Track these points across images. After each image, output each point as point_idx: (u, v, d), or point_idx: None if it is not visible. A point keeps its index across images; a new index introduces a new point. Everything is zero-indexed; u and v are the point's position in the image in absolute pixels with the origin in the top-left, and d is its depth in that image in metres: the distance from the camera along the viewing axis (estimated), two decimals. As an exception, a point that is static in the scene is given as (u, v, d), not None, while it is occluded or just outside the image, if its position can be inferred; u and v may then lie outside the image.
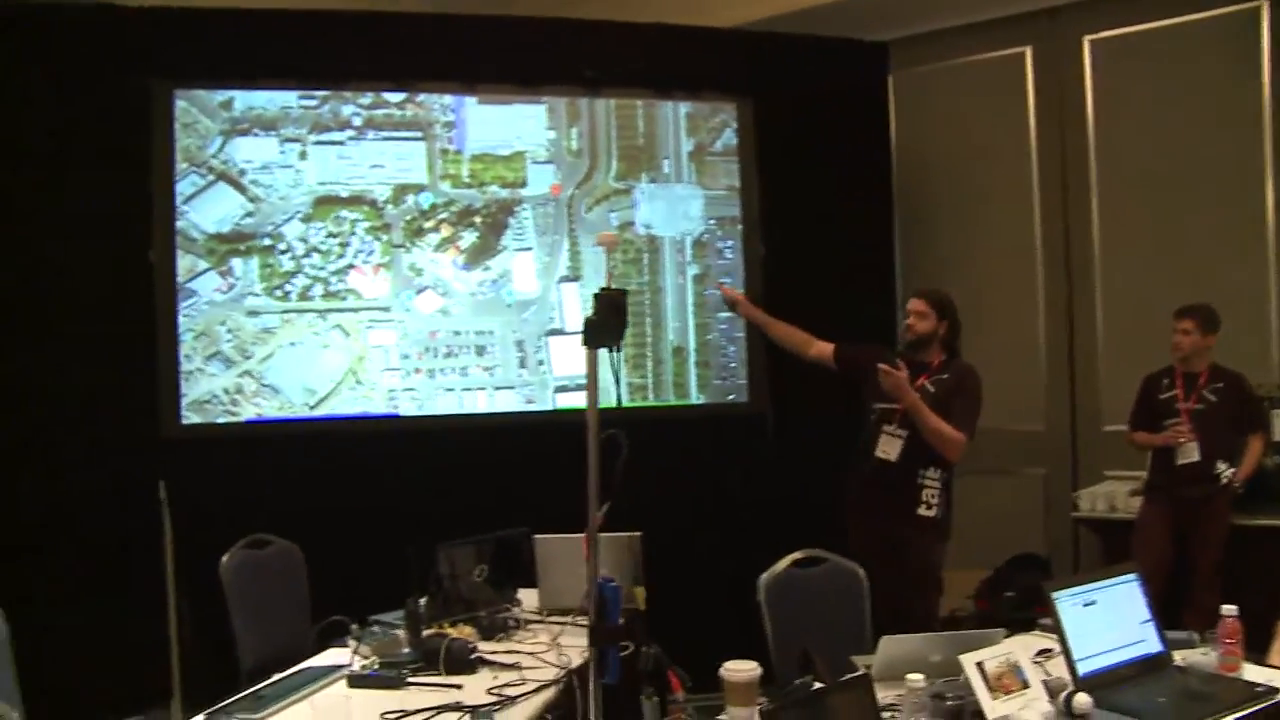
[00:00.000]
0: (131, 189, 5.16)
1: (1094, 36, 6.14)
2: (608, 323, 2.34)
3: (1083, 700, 2.49)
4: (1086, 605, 2.75)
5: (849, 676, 2.52)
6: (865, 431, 4.47)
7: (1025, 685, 2.59)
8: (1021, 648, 2.74)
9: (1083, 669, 2.64)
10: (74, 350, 5.03)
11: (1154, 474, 5.18)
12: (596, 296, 2.38)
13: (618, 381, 2.38)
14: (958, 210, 6.61)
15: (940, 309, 4.47)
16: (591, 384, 2.37)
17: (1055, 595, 2.71)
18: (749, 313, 5.09)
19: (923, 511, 4.35)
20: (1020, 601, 5.49)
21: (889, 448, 4.37)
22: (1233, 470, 4.99)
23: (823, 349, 4.78)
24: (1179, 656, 2.86)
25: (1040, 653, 3.01)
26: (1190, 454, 4.95)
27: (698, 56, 5.90)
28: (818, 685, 2.59)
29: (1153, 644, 2.82)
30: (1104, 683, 2.63)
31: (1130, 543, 5.16)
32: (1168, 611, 2.92)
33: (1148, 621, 2.83)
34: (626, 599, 2.39)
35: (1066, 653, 2.65)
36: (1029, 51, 6.39)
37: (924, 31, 6.55)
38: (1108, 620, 2.76)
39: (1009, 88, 6.45)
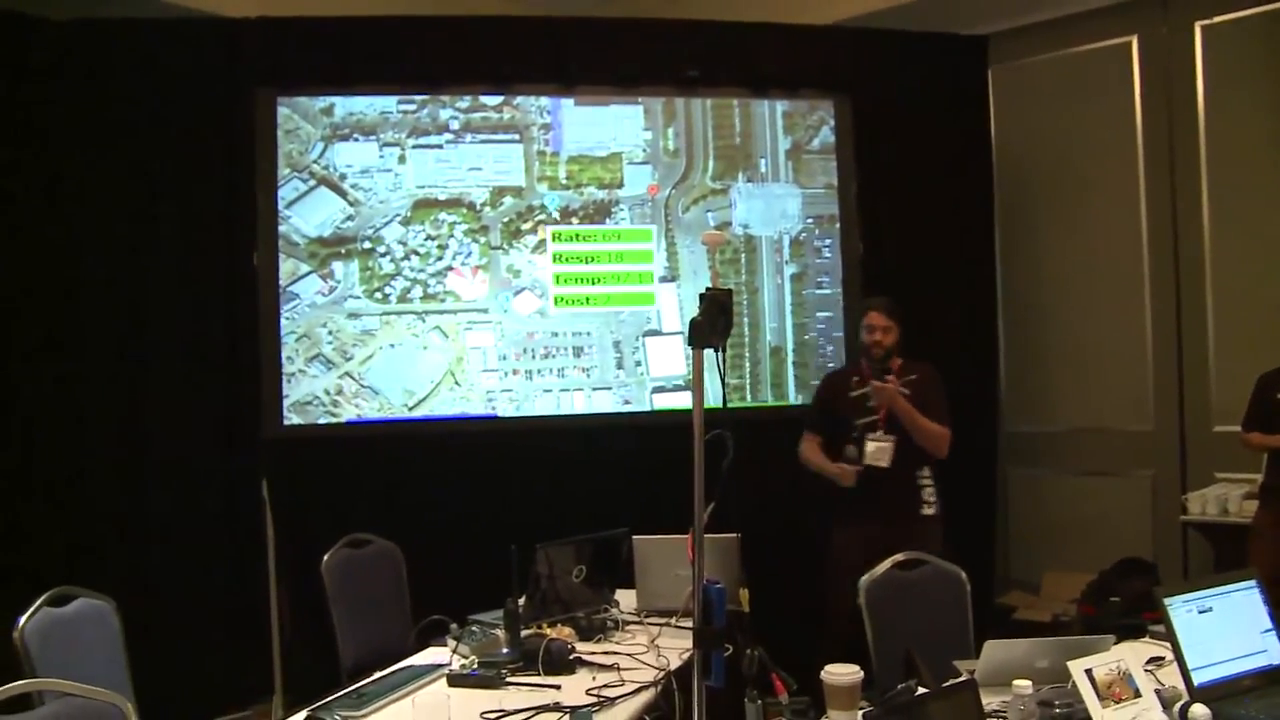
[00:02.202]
0: (236, 194, 5.28)
1: (1206, 22, 5.92)
2: (714, 322, 2.32)
3: (1200, 712, 2.40)
4: (1202, 612, 2.65)
5: (954, 681, 2.47)
6: (845, 446, 4.59)
7: (1137, 694, 2.51)
8: (1132, 655, 2.65)
9: (1198, 679, 2.54)
10: (180, 352, 5.17)
11: (1271, 476, 4.99)
12: (703, 296, 2.36)
13: (723, 382, 2.36)
14: (1060, 206, 6.46)
15: (899, 317, 4.64)
16: (697, 383, 2.34)
17: (1168, 601, 2.62)
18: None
19: (926, 511, 4.51)
20: (1127, 607, 5.34)
21: (880, 455, 4.49)
22: (1359, 473, 4.80)
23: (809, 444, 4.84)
24: (1302, 669, 2.75)
25: (1151, 661, 2.93)
26: (1310, 457, 4.77)
27: (794, 54, 5.85)
28: (922, 690, 2.55)
29: (1275, 655, 2.69)
30: (1222, 694, 2.53)
31: (1244, 547, 5.00)
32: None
33: (1270, 631, 2.72)
34: (730, 600, 2.36)
35: (1180, 661, 2.56)
36: (1135, 40, 6.21)
37: (1024, 24, 6.42)
38: (1225, 628, 2.66)
39: (1114, 79, 6.28)
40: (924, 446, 4.51)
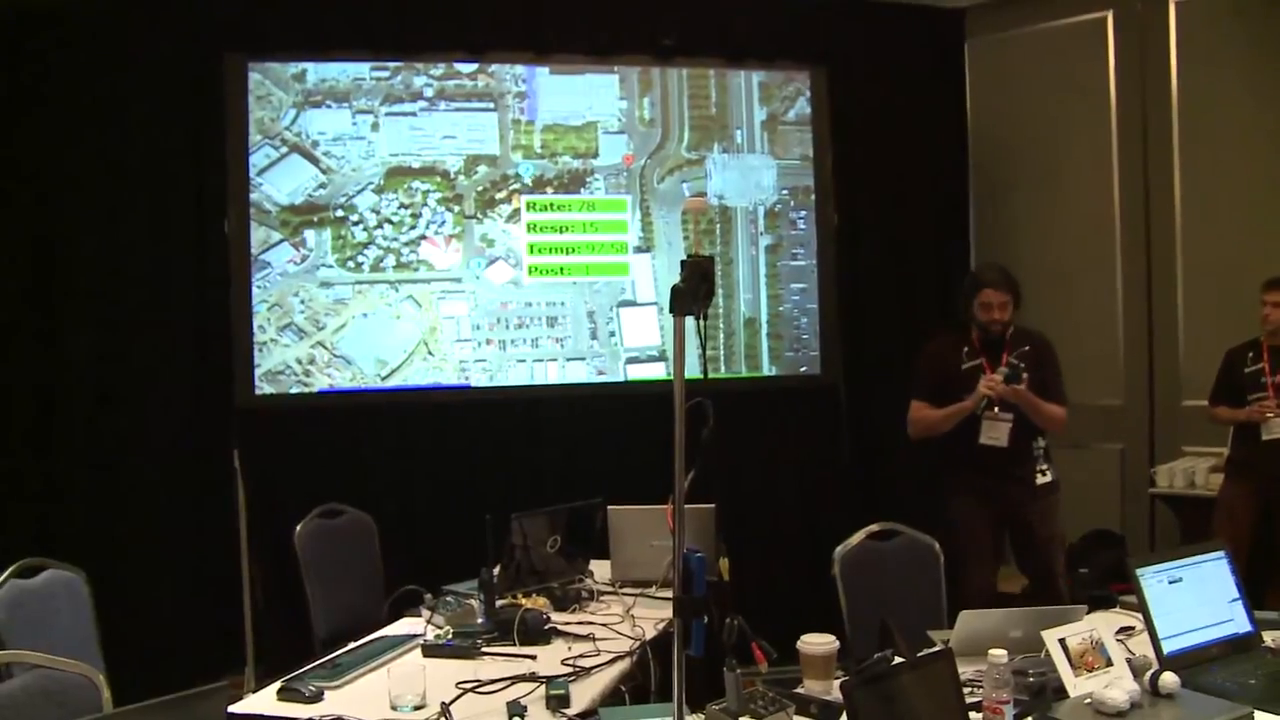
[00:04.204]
0: (206, 161, 5.21)
1: (1181, -2, 5.96)
2: (696, 289, 2.29)
3: (1170, 679, 2.43)
4: (1172, 583, 2.68)
5: (930, 651, 2.48)
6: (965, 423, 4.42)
7: (1108, 663, 2.53)
8: (1103, 625, 2.67)
9: (1168, 648, 2.58)
10: (151, 321, 5.11)
11: (1237, 450, 5.05)
12: (684, 263, 2.33)
13: (703, 351, 2.34)
14: (1034, 180, 6.47)
15: (1016, 291, 4.47)
16: (679, 351, 2.31)
17: (1140, 572, 2.65)
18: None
19: (1041, 480, 4.43)
20: (1095, 578, 5.40)
21: (996, 433, 4.37)
22: (1324, 447, 4.84)
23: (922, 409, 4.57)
24: (1269, 638, 2.78)
25: (1122, 630, 2.95)
26: (1277, 430, 4.81)
27: (771, 24, 5.83)
28: (898, 659, 2.56)
29: (1242, 624, 2.74)
30: (1190, 662, 2.56)
31: (1209, 520, 5.06)
32: (1249, 591, 2.83)
33: (1236, 600, 2.75)
34: (709, 571, 2.35)
35: (1151, 631, 2.59)
36: (1110, 15, 6.21)
37: (1001, -2, 6.43)
38: (1194, 598, 2.69)
39: (1089, 54, 6.28)
40: (1042, 426, 4.41)
